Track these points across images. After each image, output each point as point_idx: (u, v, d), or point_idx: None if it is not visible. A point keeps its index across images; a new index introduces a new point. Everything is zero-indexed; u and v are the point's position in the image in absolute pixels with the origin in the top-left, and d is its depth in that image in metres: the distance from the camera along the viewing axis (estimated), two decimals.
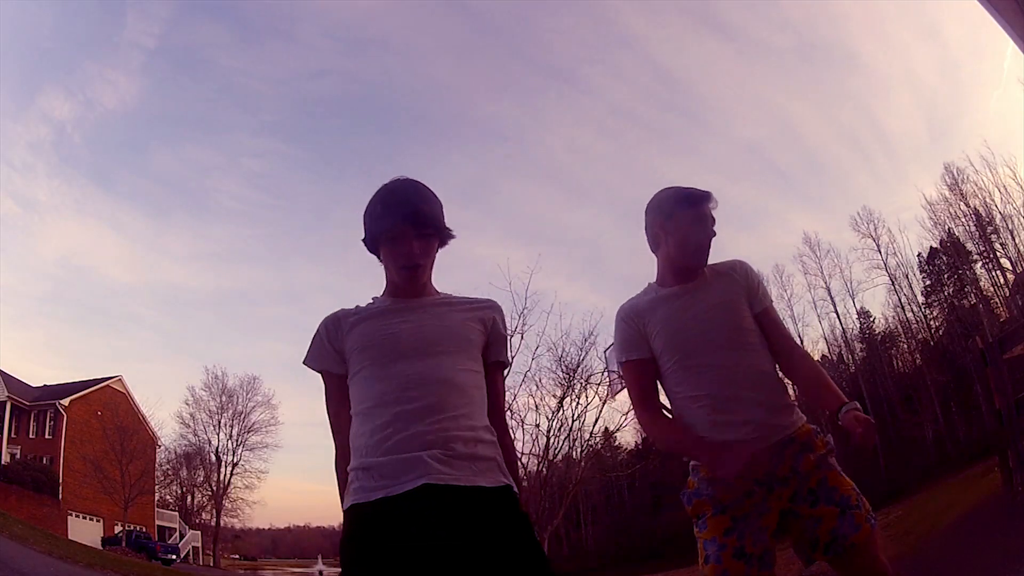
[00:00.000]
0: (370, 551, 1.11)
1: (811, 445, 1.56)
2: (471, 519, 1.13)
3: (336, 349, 1.35)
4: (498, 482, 1.22)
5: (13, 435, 26.70)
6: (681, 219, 1.65)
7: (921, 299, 29.01)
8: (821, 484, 1.52)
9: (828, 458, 1.57)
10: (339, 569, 1.19)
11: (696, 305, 1.63)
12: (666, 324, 1.63)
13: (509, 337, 1.57)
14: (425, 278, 1.38)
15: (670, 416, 1.70)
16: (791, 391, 1.72)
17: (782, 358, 1.67)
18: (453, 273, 1.85)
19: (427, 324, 1.32)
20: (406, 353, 1.27)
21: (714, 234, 1.66)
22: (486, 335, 1.39)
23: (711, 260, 1.71)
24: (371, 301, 1.42)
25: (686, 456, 1.64)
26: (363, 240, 1.37)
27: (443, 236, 1.37)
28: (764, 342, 1.65)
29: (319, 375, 1.39)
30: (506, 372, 1.55)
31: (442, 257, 1.42)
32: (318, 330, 1.38)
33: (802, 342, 29.53)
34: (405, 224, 1.29)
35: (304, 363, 1.38)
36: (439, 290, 1.44)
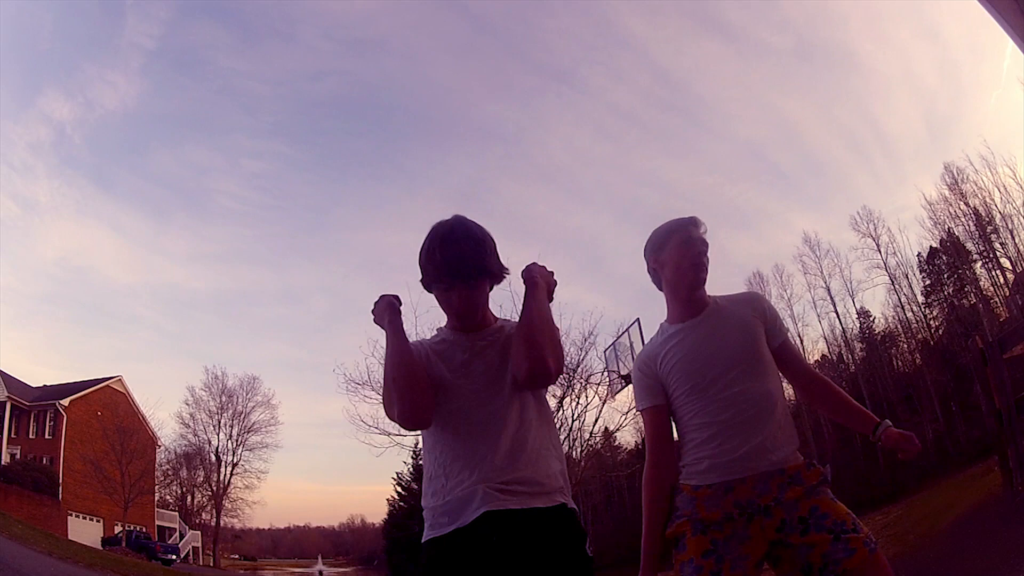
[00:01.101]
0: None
1: (799, 479, 1.54)
2: (530, 540, 1.23)
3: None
4: (553, 502, 1.30)
5: (13, 435, 26.71)
6: (671, 247, 1.71)
7: (921, 299, 29.01)
8: (812, 512, 1.49)
9: (820, 487, 1.54)
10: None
11: (712, 333, 1.65)
12: (681, 358, 1.64)
13: None
14: (479, 318, 1.42)
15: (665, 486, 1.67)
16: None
17: (804, 390, 1.73)
18: None
19: (475, 379, 1.38)
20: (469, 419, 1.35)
21: (706, 249, 1.69)
22: None
23: (724, 292, 1.75)
24: (435, 333, 1.49)
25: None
26: (420, 281, 1.43)
27: (494, 278, 1.41)
28: (777, 374, 1.68)
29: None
30: None
31: None
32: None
33: (802, 342, 29.69)
34: (452, 278, 1.34)
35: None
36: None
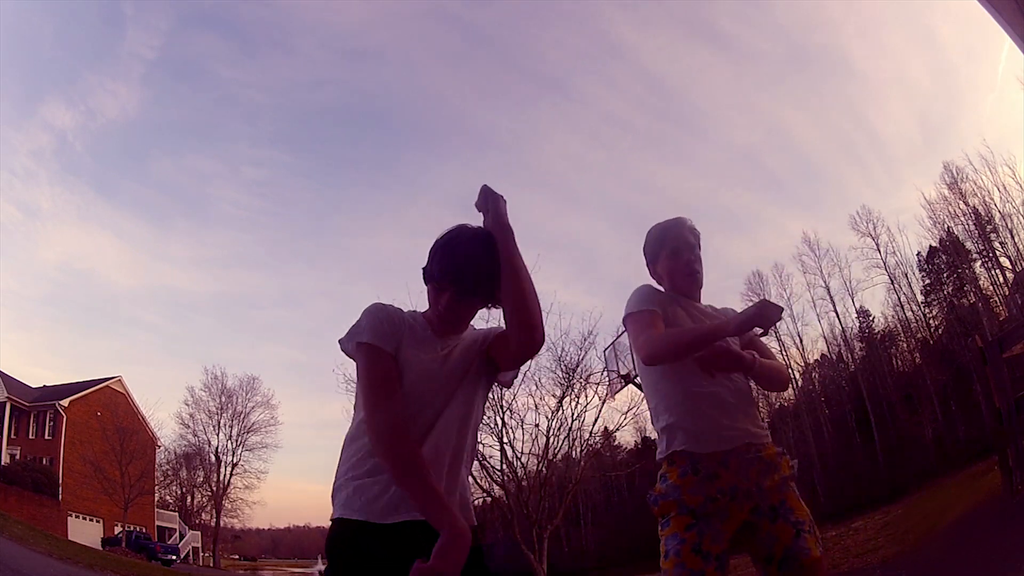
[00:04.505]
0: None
1: (776, 466, 1.69)
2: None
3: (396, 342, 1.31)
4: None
5: (13, 436, 26.70)
6: (663, 259, 1.89)
7: (920, 298, 29.02)
8: (782, 503, 1.64)
9: (789, 481, 1.70)
10: None
11: (711, 320, 1.80)
12: (687, 320, 1.79)
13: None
14: (451, 329, 1.36)
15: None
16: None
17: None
18: None
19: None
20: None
21: (695, 255, 1.86)
22: (483, 352, 1.35)
23: (721, 294, 1.90)
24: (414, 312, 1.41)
25: (699, 343, 1.66)
26: (423, 267, 1.37)
27: (487, 302, 1.34)
28: None
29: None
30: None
31: None
32: (378, 311, 1.32)
33: (801, 341, 29.80)
34: (448, 283, 1.29)
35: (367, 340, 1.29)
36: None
